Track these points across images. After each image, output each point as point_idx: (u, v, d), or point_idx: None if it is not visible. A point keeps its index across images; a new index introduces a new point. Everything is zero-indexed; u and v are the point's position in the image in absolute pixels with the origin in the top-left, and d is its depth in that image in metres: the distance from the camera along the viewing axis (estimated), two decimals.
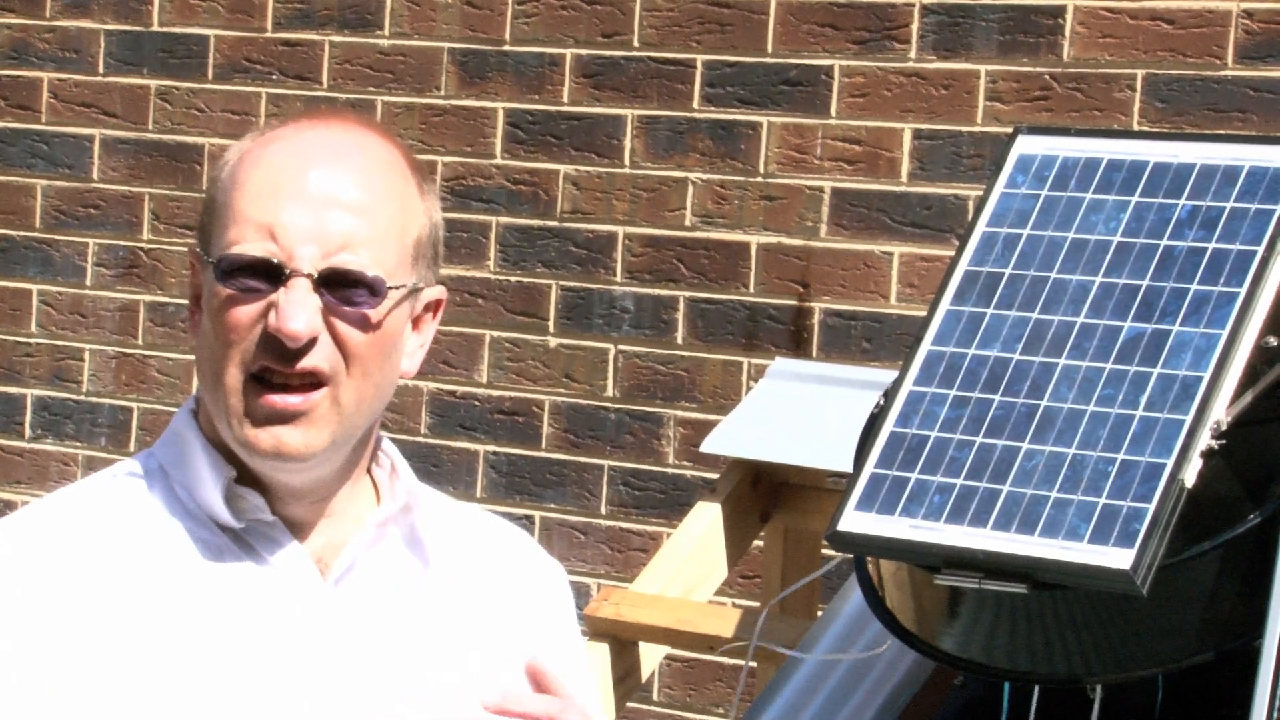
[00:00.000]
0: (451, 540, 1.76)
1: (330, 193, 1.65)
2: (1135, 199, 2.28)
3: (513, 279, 4.34)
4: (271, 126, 1.71)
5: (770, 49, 4.12)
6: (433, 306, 1.74)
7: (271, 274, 1.63)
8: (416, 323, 1.72)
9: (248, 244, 1.64)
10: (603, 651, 2.90)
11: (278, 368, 1.64)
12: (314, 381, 1.65)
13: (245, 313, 1.64)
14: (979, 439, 2.18)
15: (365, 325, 1.65)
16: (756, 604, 3.47)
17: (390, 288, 1.66)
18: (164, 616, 1.65)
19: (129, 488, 1.70)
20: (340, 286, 1.64)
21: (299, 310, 1.62)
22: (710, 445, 3.09)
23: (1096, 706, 2.17)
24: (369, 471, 1.74)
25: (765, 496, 3.08)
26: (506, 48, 4.35)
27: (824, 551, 3.14)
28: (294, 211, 1.64)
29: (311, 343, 1.63)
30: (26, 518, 1.70)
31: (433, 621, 1.72)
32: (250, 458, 1.67)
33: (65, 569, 1.66)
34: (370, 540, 1.71)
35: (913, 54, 3.99)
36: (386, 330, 1.67)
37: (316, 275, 1.64)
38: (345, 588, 1.69)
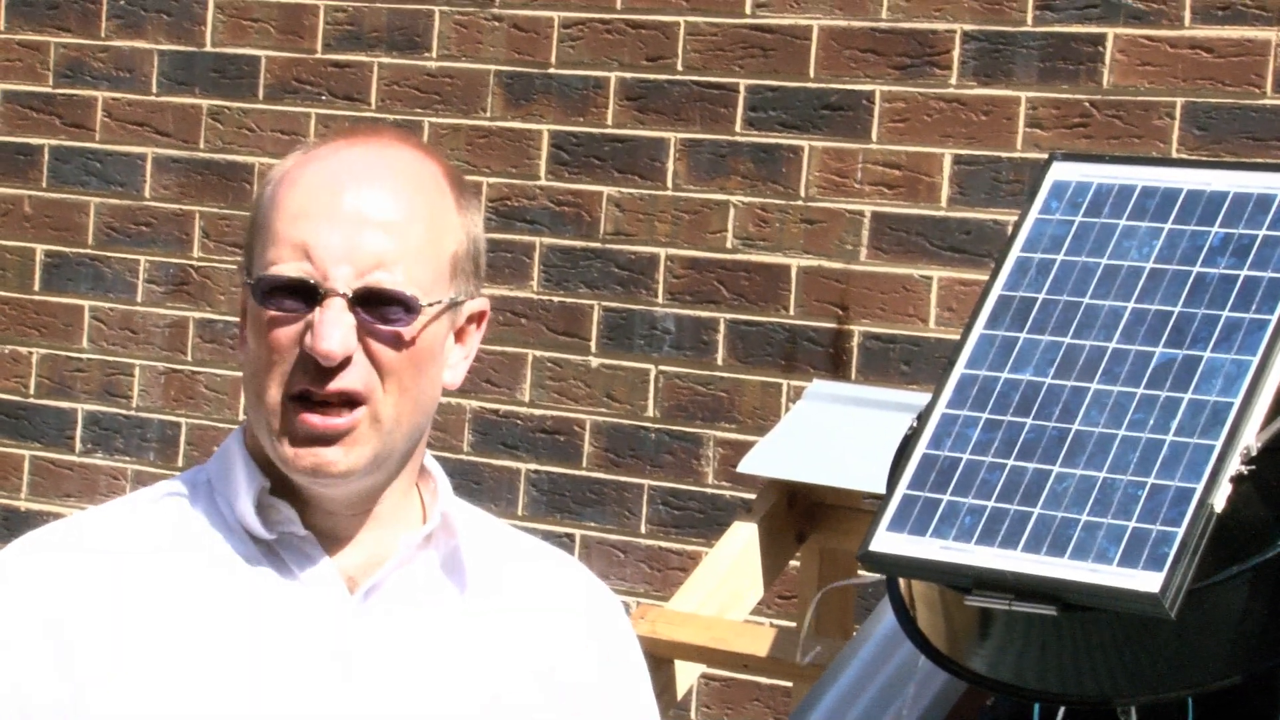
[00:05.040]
0: (496, 568, 1.76)
1: (363, 212, 1.67)
2: (1168, 226, 2.31)
3: (555, 299, 4.38)
4: (313, 146, 1.73)
5: (812, 74, 4.15)
6: (476, 318, 1.74)
7: (307, 294, 1.65)
8: (460, 335, 1.73)
9: (284, 265, 1.66)
10: None
11: (314, 389, 1.65)
12: (351, 401, 1.66)
13: (284, 334, 1.66)
14: (1010, 462, 2.20)
15: (399, 343, 1.67)
16: (793, 624, 3.50)
17: (425, 305, 1.67)
18: (186, 627, 1.67)
19: (174, 501, 1.72)
20: (375, 305, 1.66)
21: (333, 330, 1.64)
22: (747, 465, 3.12)
23: None
24: (417, 488, 1.75)
25: (801, 517, 3.10)
26: (551, 70, 4.39)
27: (860, 573, 3.16)
28: (328, 232, 1.66)
29: (346, 362, 1.65)
30: (67, 526, 1.73)
31: (461, 646, 1.71)
32: (292, 475, 1.68)
33: (95, 578, 1.68)
34: (402, 560, 1.71)
35: (953, 80, 4.02)
36: (421, 346, 1.68)
37: (351, 294, 1.65)
38: (371, 605, 1.69)
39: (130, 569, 1.69)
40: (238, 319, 1.75)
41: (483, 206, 4.43)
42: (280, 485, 1.71)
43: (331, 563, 1.70)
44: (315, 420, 1.65)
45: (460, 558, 1.74)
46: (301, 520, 1.70)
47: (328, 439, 1.66)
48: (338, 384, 1.66)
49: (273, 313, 1.66)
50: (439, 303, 1.69)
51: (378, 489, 1.71)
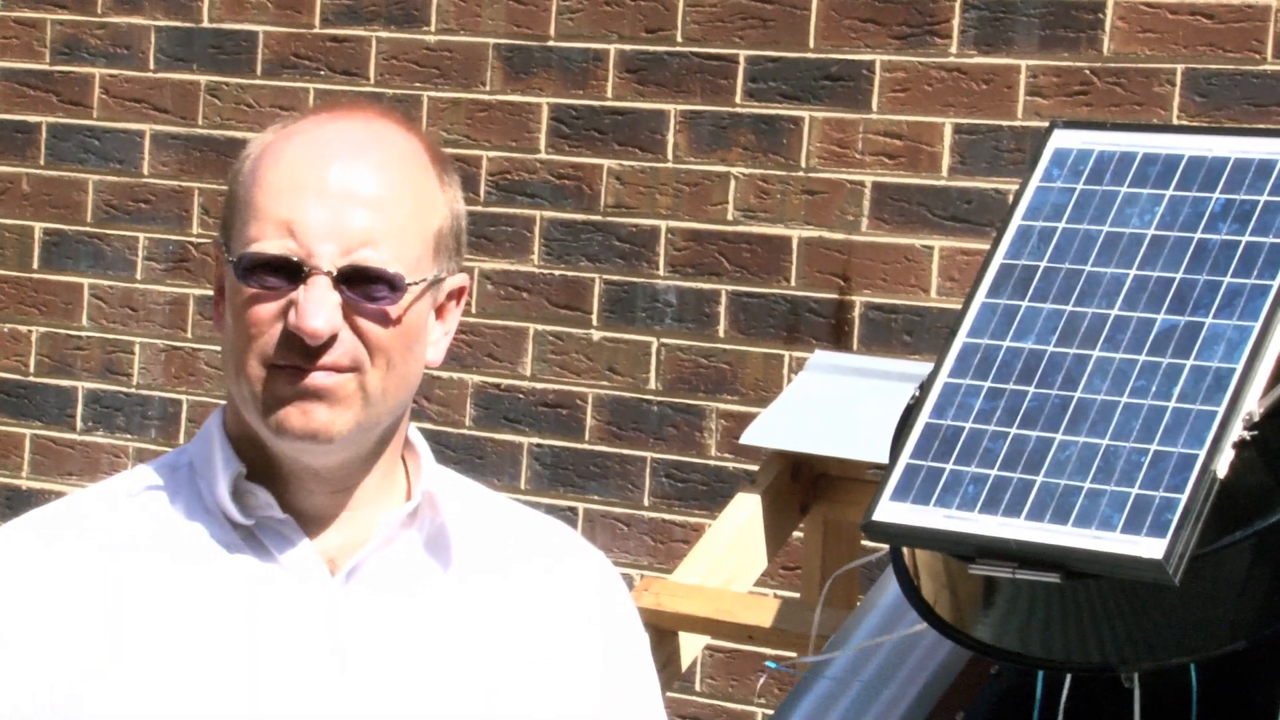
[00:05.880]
0: (482, 541, 1.74)
1: (349, 188, 1.65)
2: (1169, 193, 2.30)
3: (556, 273, 4.38)
4: (292, 119, 1.71)
5: (812, 44, 4.14)
6: (455, 294, 1.73)
7: (291, 271, 1.64)
8: (440, 311, 1.71)
9: (267, 241, 1.64)
10: None
11: (300, 364, 1.64)
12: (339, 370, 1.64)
13: (266, 310, 1.64)
14: (1013, 430, 2.20)
15: (386, 321, 1.65)
16: (797, 595, 3.50)
17: (410, 283, 1.66)
18: (165, 613, 1.65)
19: (155, 485, 1.71)
20: (360, 283, 1.64)
21: (318, 308, 1.62)
22: (750, 437, 3.12)
23: (1137, 695, 2.18)
24: (404, 463, 1.74)
25: (805, 488, 3.10)
26: (551, 43, 4.38)
27: (864, 543, 3.16)
28: (313, 208, 1.64)
29: (332, 339, 1.64)
30: (46, 515, 1.72)
31: (446, 623, 1.70)
32: (278, 438, 1.66)
33: (77, 568, 1.67)
34: (384, 540, 1.70)
35: (954, 49, 4.01)
36: (408, 324, 1.66)
37: (336, 272, 1.63)
38: (353, 587, 1.68)
39: (111, 558, 1.68)
40: (213, 293, 1.73)
41: (483, 180, 4.42)
42: (257, 469, 1.69)
43: (311, 545, 1.69)
44: (301, 376, 1.63)
45: (446, 536, 1.72)
46: (280, 504, 1.68)
47: (314, 394, 1.64)
48: (327, 359, 1.64)
49: (254, 290, 1.64)
50: (423, 280, 1.68)
51: (357, 466, 1.69)
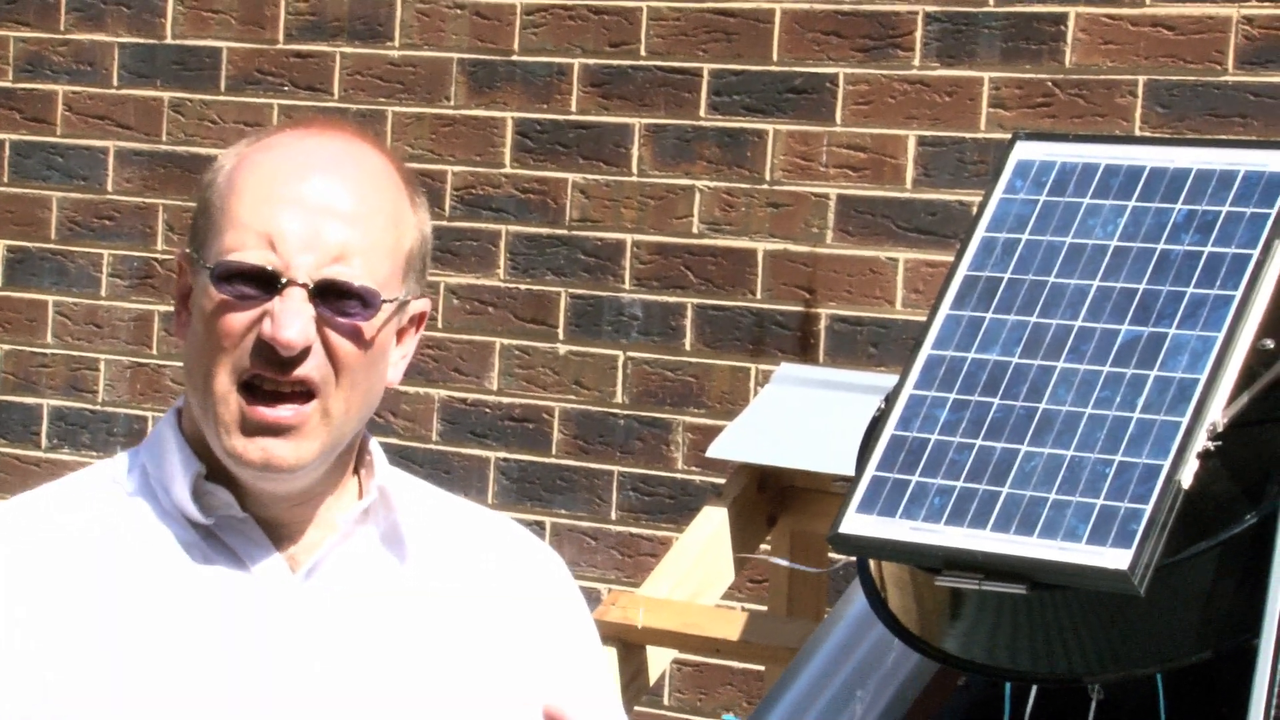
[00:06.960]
0: (436, 536, 1.76)
1: (327, 202, 1.66)
2: (1132, 203, 2.31)
3: (522, 287, 4.37)
4: (267, 133, 1.72)
5: (776, 57, 4.15)
6: (417, 320, 1.74)
7: (267, 282, 1.64)
8: (400, 335, 1.73)
9: (247, 252, 1.65)
10: (610, 655, 2.93)
11: (270, 375, 1.65)
12: (304, 391, 1.66)
13: (239, 319, 1.64)
14: (978, 441, 2.21)
15: (357, 337, 1.66)
16: (764, 608, 3.50)
17: (383, 301, 1.67)
18: (127, 613, 1.66)
19: (108, 485, 1.72)
20: (334, 297, 1.65)
21: (294, 319, 1.63)
22: (717, 450, 3.12)
23: (1093, 706, 2.19)
24: (356, 472, 1.74)
25: (772, 500, 3.10)
26: (515, 58, 4.38)
27: (830, 555, 3.17)
28: (291, 220, 1.65)
29: (305, 352, 1.64)
30: (2, 513, 1.71)
31: (406, 618, 1.72)
32: (238, 468, 1.67)
33: (32, 567, 1.67)
34: (341, 536, 1.71)
35: (916, 61, 4.02)
36: (378, 342, 1.68)
37: (312, 285, 1.65)
38: (314, 583, 1.69)
39: (67, 560, 1.68)
40: (174, 304, 1.73)
41: (448, 195, 4.42)
42: (215, 470, 1.70)
43: (271, 544, 1.70)
44: (265, 413, 1.65)
45: (400, 531, 1.74)
46: (239, 504, 1.69)
47: (276, 430, 1.65)
48: (299, 372, 1.65)
49: (228, 298, 1.65)
50: (394, 300, 1.69)
51: (319, 483, 1.71)
